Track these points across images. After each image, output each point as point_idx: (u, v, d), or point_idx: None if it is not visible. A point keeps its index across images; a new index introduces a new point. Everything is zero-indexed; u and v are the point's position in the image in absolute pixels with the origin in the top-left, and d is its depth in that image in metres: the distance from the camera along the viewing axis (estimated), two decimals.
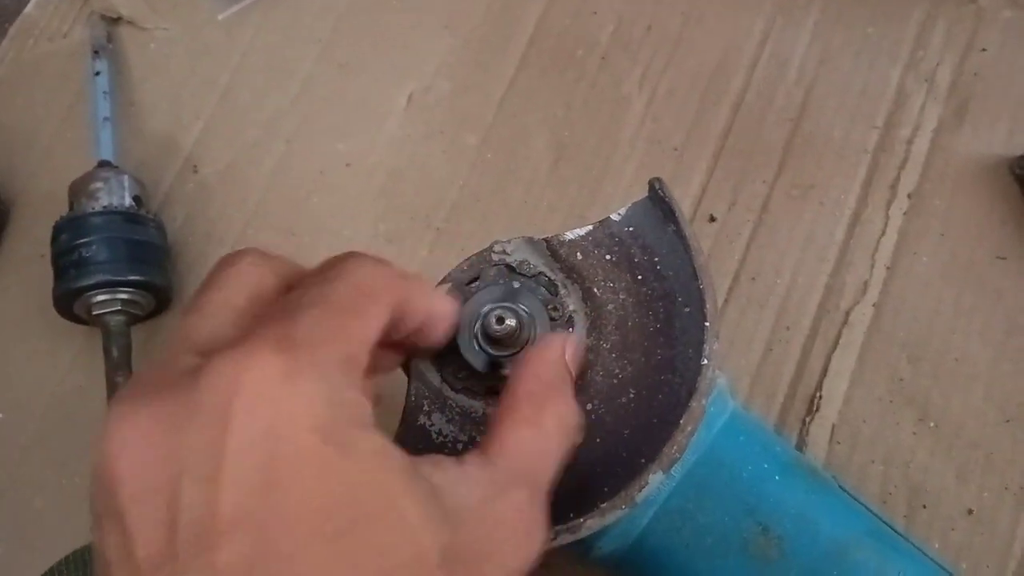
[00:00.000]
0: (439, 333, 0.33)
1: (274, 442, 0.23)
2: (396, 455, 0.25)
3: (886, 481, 0.46)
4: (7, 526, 0.50)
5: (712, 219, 0.51)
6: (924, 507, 0.45)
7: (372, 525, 0.23)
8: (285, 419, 0.23)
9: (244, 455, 0.22)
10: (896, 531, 0.38)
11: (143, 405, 0.24)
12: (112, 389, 0.47)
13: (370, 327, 0.27)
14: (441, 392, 0.36)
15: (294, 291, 0.27)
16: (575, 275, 0.37)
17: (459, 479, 0.27)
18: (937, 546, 0.44)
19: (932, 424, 0.46)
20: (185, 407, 0.23)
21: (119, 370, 0.47)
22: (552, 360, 0.32)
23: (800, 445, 0.47)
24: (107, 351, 0.48)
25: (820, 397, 0.47)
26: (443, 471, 0.26)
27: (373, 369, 0.30)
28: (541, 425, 0.29)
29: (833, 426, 0.47)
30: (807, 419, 0.47)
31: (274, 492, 0.22)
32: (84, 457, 0.51)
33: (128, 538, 0.23)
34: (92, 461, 0.24)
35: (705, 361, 0.33)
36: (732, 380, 0.45)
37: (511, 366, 0.35)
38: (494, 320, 0.35)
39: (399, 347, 0.33)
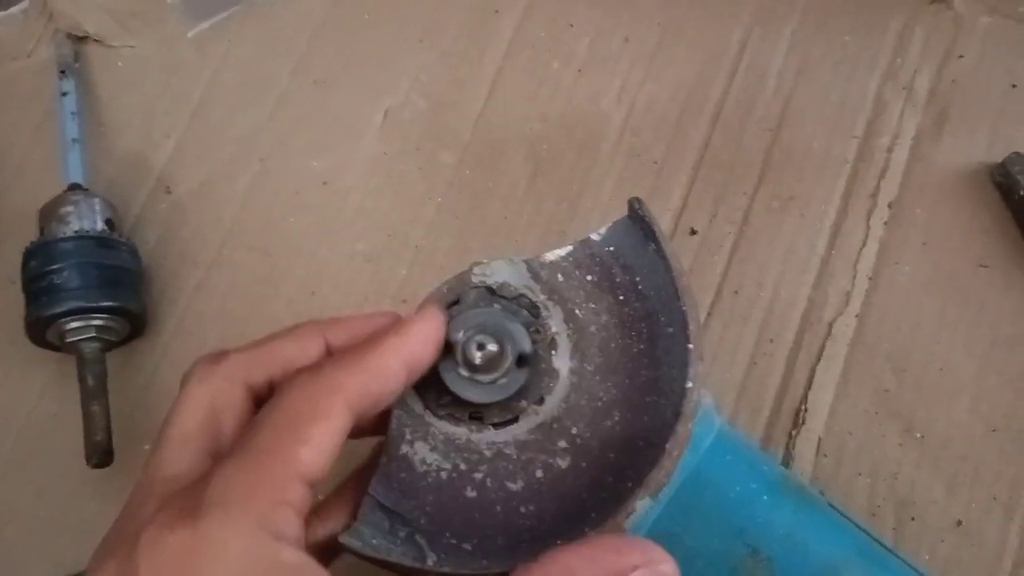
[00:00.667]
0: (423, 369, 0.33)
1: None
2: None
3: (873, 494, 0.46)
4: None
5: (693, 232, 0.50)
6: (912, 519, 0.45)
7: None
8: None
9: None
10: (886, 548, 0.38)
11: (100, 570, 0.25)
12: (88, 418, 0.46)
13: (311, 451, 0.27)
14: (423, 419, 0.35)
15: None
16: (556, 296, 0.37)
17: None
18: (926, 559, 0.44)
19: (918, 435, 0.46)
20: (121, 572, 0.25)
21: (95, 398, 0.46)
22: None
23: (787, 459, 0.46)
24: (82, 379, 0.47)
25: (805, 410, 0.47)
26: None
27: (367, 431, 0.32)
28: None
29: (819, 439, 0.46)
30: (793, 433, 0.47)
31: None
32: (57, 486, 0.50)
33: None
34: None
35: (690, 384, 0.33)
36: (717, 395, 0.45)
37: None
38: (475, 346, 0.34)
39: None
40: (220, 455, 0.29)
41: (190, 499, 0.25)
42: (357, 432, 0.31)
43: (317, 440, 0.28)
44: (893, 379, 0.47)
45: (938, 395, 0.47)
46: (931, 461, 0.46)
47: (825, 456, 0.46)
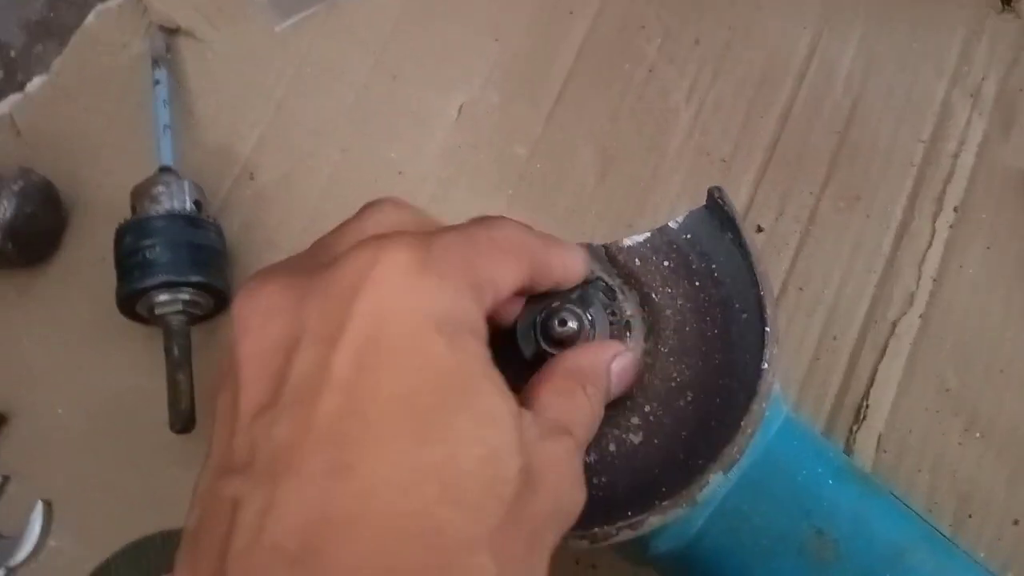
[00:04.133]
0: (570, 285, 0.35)
1: (393, 320, 0.24)
2: (496, 370, 0.27)
3: (933, 490, 0.46)
4: (61, 521, 0.51)
5: (760, 229, 0.51)
6: (970, 516, 0.46)
7: (459, 414, 0.25)
8: (408, 303, 0.25)
9: (363, 326, 0.24)
10: (947, 537, 0.39)
11: (281, 275, 0.26)
12: (173, 387, 0.48)
13: (500, 278, 0.28)
14: None
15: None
16: (633, 281, 0.38)
17: (524, 416, 0.28)
18: (983, 555, 0.45)
19: (978, 434, 0.47)
20: (319, 280, 0.25)
21: (180, 368, 0.49)
22: (600, 359, 0.33)
23: (847, 453, 0.47)
24: (168, 350, 0.49)
25: (867, 406, 0.48)
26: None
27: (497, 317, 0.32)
28: (573, 398, 0.31)
29: (880, 435, 0.47)
30: (854, 427, 0.48)
31: (377, 363, 0.24)
32: (139, 454, 0.52)
33: (237, 390, 0.25)
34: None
35: (766, 365, 0.34)
36: (783, 386, 0.46)
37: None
38: (557, 321, 0.35)
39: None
40: None
41: (408, 235, 0.26)
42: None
43: (515, 265, 0.29)
44: (955, 378, 0.48)
45: (1000, 395, 0.47)
46: (991, 460, 0.46)
47: (885, 451, 0.47)
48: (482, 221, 0.30)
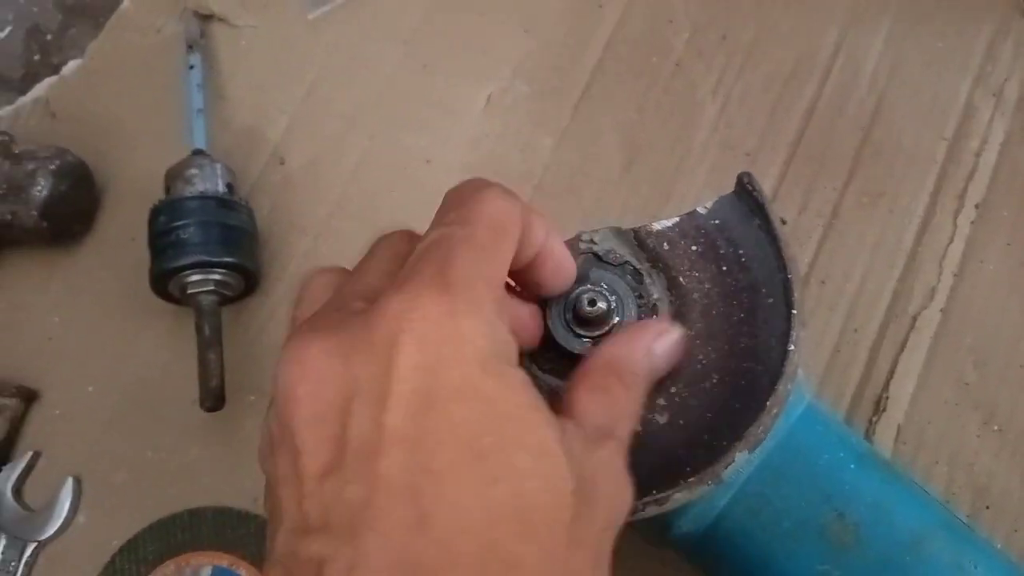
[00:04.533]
0: (551, 277, 0.34)
1: (438, 370, 0.25)
2: (538, 394, 0.27)
3: (950, 482, 0.47)
4: (89, 497, 0.52)
5: (783, 223, 0.52)
6: (987, 508, 0.46)
7: (517, 450, 0.26)
8: (449, 351, 0.25)
9: (410, 381, 0.25)
10: (967, 525, 0.39)
11: (319, 339, 0.26)
12: (204, 365, 0.49)
13: (505, 263, 0.29)
14: (530, 371, 0.38)
15: (437, 229, 0.29)
16: (660, 264, 0.39)
17: (567, 431, 0.28)
18: (1000, 547, 0.45)
19: (997, 428, 0.47)
20: (358, 340, 0.26)
21: (211, 347, 0.49)
22: (635, 347, 0.34)
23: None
24: (199, 328, 0.50)
25: (887, 398, 0.48)
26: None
27: None
28: (612, 393, 0.32)
29: (899, 426, 0.48)
30: (873, 419, 0.48)
31: (434, 413, 0.25)
32: (166, 432, 0.53)
33: (297, 456, 0.25)
34: (271, 394, 0.27)
35: (792, 347, 0.34)
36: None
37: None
38: (586, 302, 0.36)
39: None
40: None
41: (432, 278, 0.26)
42: None
43: (511, 251, 0.29)
44: (974, 373, 0.48)
45: (1018, 390, 0.48)
46: (1009, 453, 0.47)
47: (904, 443, 0.48)
48: (475, 207, 0.29)
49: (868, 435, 0.48)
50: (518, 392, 0.27)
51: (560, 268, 0.34)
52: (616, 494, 0.29)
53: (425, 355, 0.25)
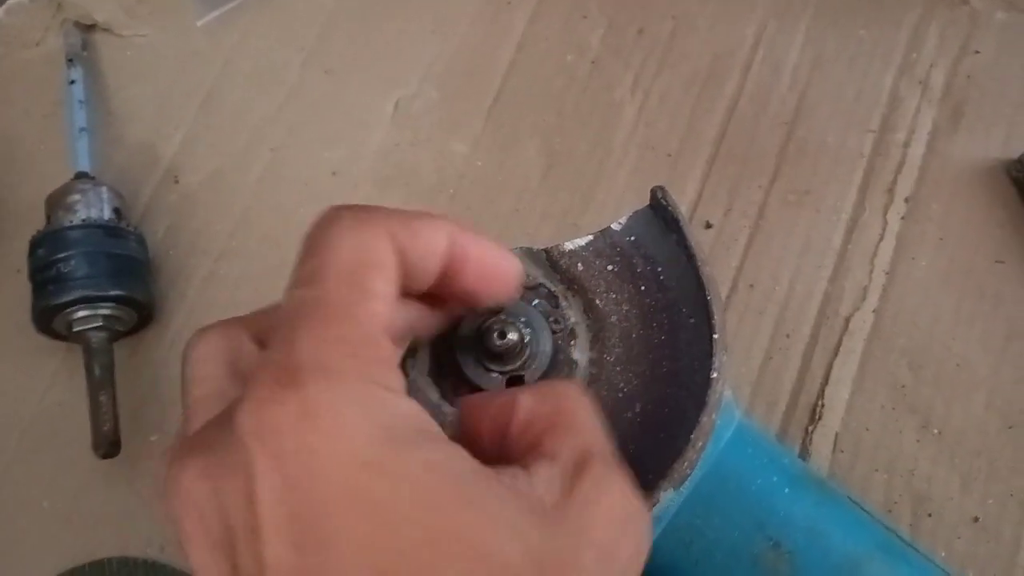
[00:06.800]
0: (480, 285, 0.28)
1: (307, 487, 0.21)
2: (453, 464, 0.22)
3: (890, 490, 0.45)
4: None
5: (708, 225, 0.50)
6: (929, 515, 0.45)
7: (430, 552, 0.21)
8: (314, 461, 0.21)
9: (276, 506, 0.21)
10: (906, 542, 0.37)
11: (192, 461, 0.23)
12: (95, 408, 0.45)
13: (379, 301, 0.24)
14: (440, 408, 0.35)
15: (286, 294, 0.24)
16: (576, 286, 0.36)
17: (532, 479, 0.24)
18: (943, 555, 0.44)
19: (935, 431, 0.46)
20: (223, 464, 0.22)
21: (102, 388, 0.46)
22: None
23: (803, 454, 0.46)
24: (89, 368, 0.46)
25: (822, 405, 0.46)
26: (512, 476, 0.24)
27: (409, 329, 0.28)
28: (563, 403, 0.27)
29: (836, 435, 0.46)
30: (810, 428, 0.46)
31: (316, 536, 0.21)
32: (65, 476, 0.49)
33: None
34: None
35: (715, 374, 0.32)
36: (732, 390, 0.44)
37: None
38: (495, 335, 0.34)
39: (441, 302, 0.30)
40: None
41: (276, 372, 0.22)
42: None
43: (383, 292, 0.24)
44: (910, 375, 0.47)
45: (955, 391, 0.46)
46: (948, 457, 0.45)
47: (842, 451, 0.46)
48: (320, 253, 0.24)
49: (805, 445, 0.46)
50: (416, 479, 0.22)
51: (486, 271, 0.28)
52: (621, 527, 0.25)
53: (285, 474, 0.21)
